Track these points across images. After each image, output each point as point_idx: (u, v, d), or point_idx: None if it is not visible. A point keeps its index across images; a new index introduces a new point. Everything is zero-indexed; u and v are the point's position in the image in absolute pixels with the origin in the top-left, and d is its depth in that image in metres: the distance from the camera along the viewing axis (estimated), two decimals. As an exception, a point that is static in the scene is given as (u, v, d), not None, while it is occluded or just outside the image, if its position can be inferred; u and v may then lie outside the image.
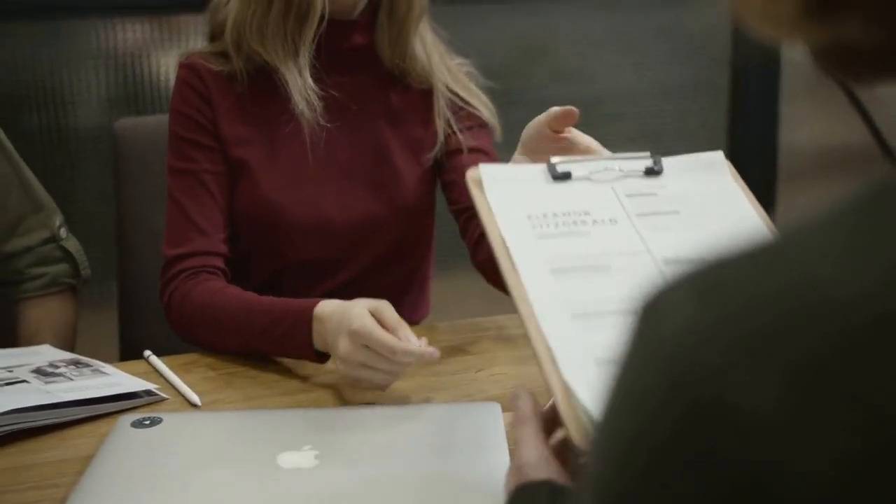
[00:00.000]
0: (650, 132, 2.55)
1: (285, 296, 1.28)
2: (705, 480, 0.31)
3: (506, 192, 0.86)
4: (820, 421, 0.30)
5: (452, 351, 1.32)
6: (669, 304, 0.34)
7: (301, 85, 1.33)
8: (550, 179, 0.89)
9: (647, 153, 0.93)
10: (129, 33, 2.20)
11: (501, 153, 1.43)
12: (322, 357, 1.21)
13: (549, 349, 0.71)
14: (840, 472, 0.29)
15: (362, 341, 1.10)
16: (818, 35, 0.40)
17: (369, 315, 1.11)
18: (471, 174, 0.88)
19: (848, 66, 0.41)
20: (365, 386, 1.15)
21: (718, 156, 0.96)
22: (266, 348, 1.27)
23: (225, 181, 1.39)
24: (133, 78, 2.20)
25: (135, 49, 2.20)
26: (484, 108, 1.43)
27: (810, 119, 2.54)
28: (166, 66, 2.19)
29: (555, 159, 0.90)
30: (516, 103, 2.54)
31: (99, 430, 1.10)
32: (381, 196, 1.40)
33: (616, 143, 2.57)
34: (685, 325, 0.33)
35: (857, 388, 0.30)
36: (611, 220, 0.86)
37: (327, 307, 1.19)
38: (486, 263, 1.38)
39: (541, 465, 0.69)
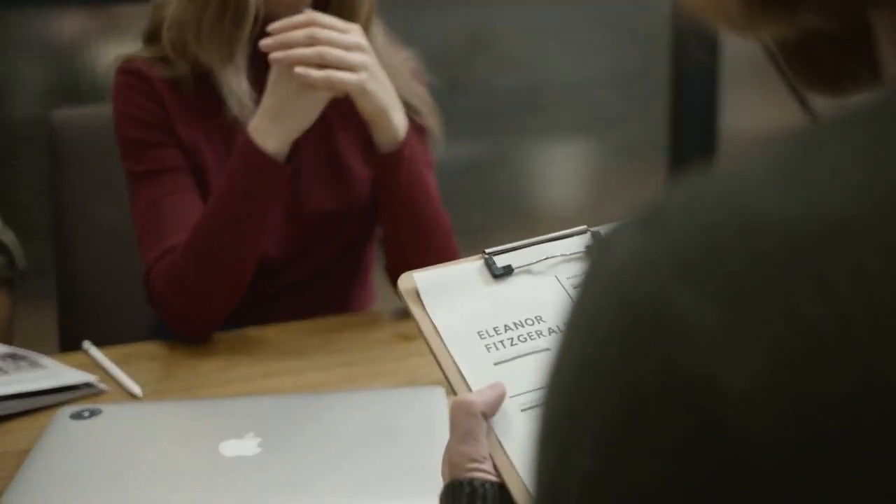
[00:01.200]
0: (593, 120, 2.57)
1: None
2: (648, 389, 0.33)
3: (448, 306, 0.79)
4: (748, 330, 0.32)
5: (396, 338, 1.32)
6: (616, 239, 0.36)
7: (236, 89, 1.29)
8: (490, 278, 0.82)
9: (584, 227, 0.86)
10: (66, 23, 2.17)
11: (447, 141, 1.43)
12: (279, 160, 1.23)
13: None
14: (765, 377, 0.31)
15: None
16: (773, 30, 0.40)
17: None
18: (403, 284, 0.81)
19: (811, 62, 0.42)
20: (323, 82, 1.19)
21: None
22: (238, 208, 1.25)
23: (191, 175, 1.34)
24: (70, 69, 2.17)
25: (72, 39, 2.17)
26: (430, 116, 1.39)
27: (750, 105, 2.58)
28: (105, 56, 2.16)
29: (490, 250, 0.84)
30: (461, 93, 2.56)
31: (37, 423, 1.09)
32: (332, 196, 1.39)
33: (560, 131, 2.59)
34: (630, 255, 0.35)
35: (782, 298, 0.32)
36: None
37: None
38: (394, 275, 1.38)
39: (465, 466, 0.69)
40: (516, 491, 0.69)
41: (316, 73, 1.19)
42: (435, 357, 0.77)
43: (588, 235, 0.86)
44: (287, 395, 1.12)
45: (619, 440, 0.34)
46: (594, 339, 0.35)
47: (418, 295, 0.80)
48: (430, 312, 0.79)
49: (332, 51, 1.20)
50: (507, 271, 0.83)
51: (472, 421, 0.70)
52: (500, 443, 0.71)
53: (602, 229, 0.85)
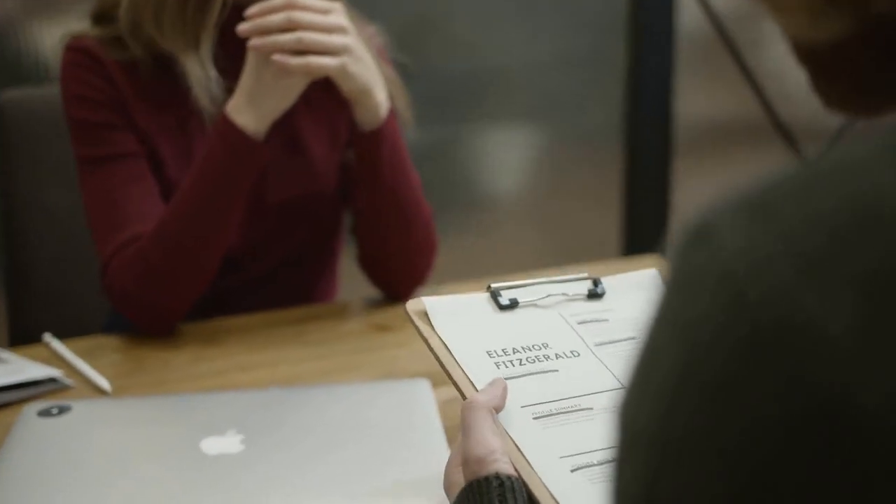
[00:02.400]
0: (547, 104, 2.55)
1: None
2: (771, 410, 0.29)
3: (457, 327, 0.81)
4: (888, 338, 0.28)
5: (370, 329, 1.29)
6: (719, 228, 0.32)
7: (202, 77, 1.23)
8: (497, 309, 0.85)
9: (585, 273, 0.91)
10: (5, 1, 2.08)
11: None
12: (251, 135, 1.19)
13: None
14: None
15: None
16: (844, 18, 0.37)
17: None
18: (412, 307, 0.83)
19: (857, 68, 0.39)
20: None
21: (652, 273, 0.93)
22: (215, 189, 1.21)
23: (148, 162, 1.27)
24: (10, 49, 2.08)
25: (10, 18, 2.08)
26: (400, 97, 1.34)
27: (705, 91, 2.58)
28: (49, 36, 2.08)
29: (495, 285, 0.87)
30: (411, 78, 2.52)
31: (2, 420, 1.03)
32: (296, 184, 1.34)
33: (514, 116, 2.57)
34: (740, 246, 0.31)
35: None
36: (572, 353, 0.82)
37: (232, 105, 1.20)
38: (370, 265, 1.35)
39: (488, 460, 0.66)
40: (536, 489, 0.66)
41: (294, 61, 1.15)
42: (445, 370, 0.78)
43: (591, 281, 0.90)
44: (267, 390, 1.08)
45: (748, 478, 0.30)
46: (699, 345, 0.31)
47: (427, 316, 0.82)
48: (438, 331, 0.80)
49: (312, 35, 1.15)
50: (513, 304, 0.86)
51: (481, 415, 0.68)
52: (516, 444, 0.69)
53: (605, 281, 0.88)
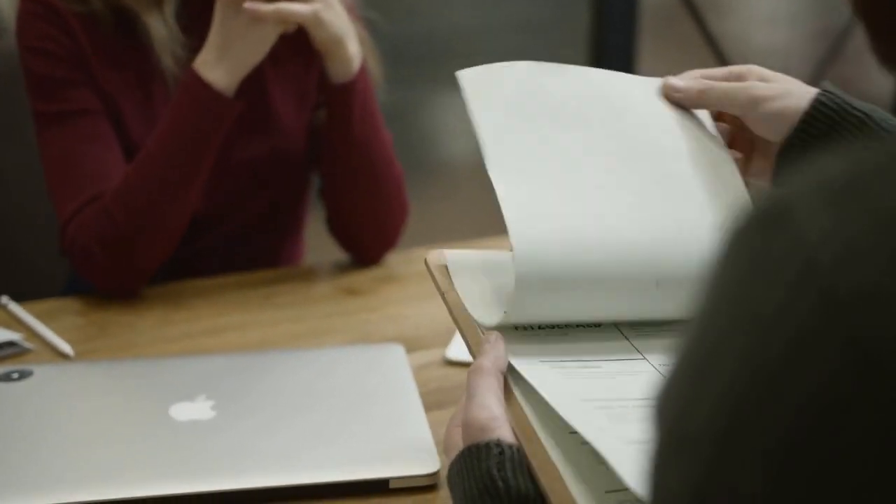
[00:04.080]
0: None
1: None
2: (855, 427, 0.26)
3: (476, 285, 0.75)
4: None
5: (340, 292, 1.26)
6: (799, 212, 0.28)
7: (165, 36, 1.19)
8: None
9: None
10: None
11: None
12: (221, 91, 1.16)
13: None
14: None
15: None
16: None
17: None
18: (433, 259, 0.76)
19: None
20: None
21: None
22: (183, 146, 1.17)
23: (109, 120, 1.22)
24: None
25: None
26: (371, 56, 1.31)
27: (667, 57, 2.57)
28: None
29: None
30: (375, 39, 2.47)
31: (-40, 386, 0.99)
32: (262, 145, 1.30)
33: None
34: (827, 234, 0.27)
35: None
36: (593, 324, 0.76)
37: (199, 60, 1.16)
38: (339, 228, 1.32)
39: (489, 427, 0.64)
40: (532, 454, 0.64)
41: (265, 7, 1.11)
42: (460, 329, 0.72)
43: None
44: (238, 354, 1.05)
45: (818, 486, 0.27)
46: (774, 345, 0.27)
47: (446, 271, 0.76)
48: (457, 287, 0.74)
49: None
50: None
51: (487, 381, 0.65)
52: (521, 405, 0.66)
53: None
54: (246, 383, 0.97)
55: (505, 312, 0.70)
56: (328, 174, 1.31)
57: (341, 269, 1.33)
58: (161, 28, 1.18)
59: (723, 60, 2.48)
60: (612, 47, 2.50)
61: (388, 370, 1.01)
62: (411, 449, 0.86)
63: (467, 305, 0.73)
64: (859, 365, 0.26)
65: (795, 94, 0.75)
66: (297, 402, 0.94)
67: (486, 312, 0.72)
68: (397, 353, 1.04)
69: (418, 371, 1.01)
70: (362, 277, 1.30)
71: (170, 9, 1.19)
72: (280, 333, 1.13)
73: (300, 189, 1.38)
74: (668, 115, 0.81)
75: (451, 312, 0.73)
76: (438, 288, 0.74)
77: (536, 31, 2.51)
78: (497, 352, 0.67)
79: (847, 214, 0.28)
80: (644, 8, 2.48)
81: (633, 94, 0.82)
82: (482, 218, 2.57)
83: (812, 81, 0.81)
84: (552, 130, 0.76)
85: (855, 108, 0.73)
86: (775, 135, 0.76)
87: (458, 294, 0.74)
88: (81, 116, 1.21)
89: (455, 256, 0.77)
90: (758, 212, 0.30)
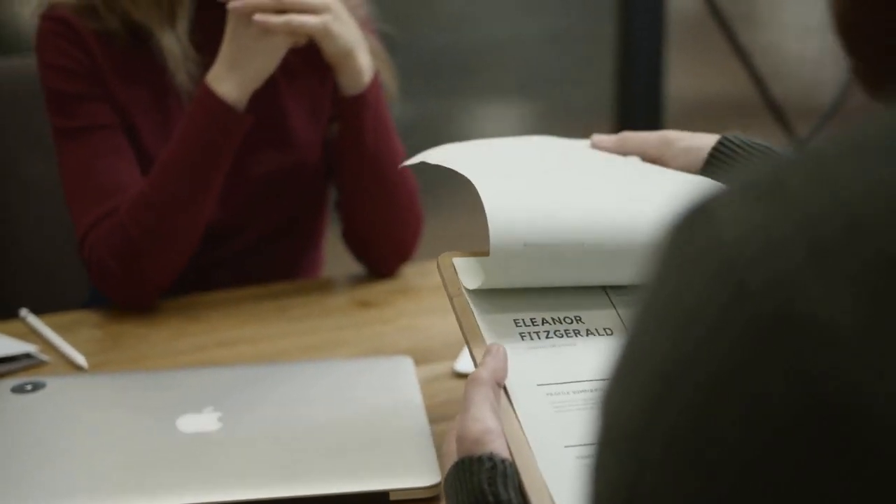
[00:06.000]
0: (537, 80, 2.52)
1: None
2: (768, 409, 0.27)
3: (486, 290, 0.75)
4: None
5: (354, 305, 1.27)
6: (722, 210, 0.29)
7: (179, 53, 1.20)
8: None
9: None
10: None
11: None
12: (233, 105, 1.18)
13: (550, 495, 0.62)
14: None
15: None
16: None
17: None
18: (443, 261, 0.77)
19: None
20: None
21: None
22: (195, 159, 1.19)
23: (125, 135, 1.24)
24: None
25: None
26: (385, 69, 1.32)
27: (695, 69, 2.56)
28: (28, 4, 2.04)
29: None
30: (401, 51, 2.49)
31: (-26, 397, 1.01)
32: (276, 158, 1.31)
33: (503, 91, 2.54)
34: (745, 230, 0.28)
35: None
36: (605, 330, 0.76)
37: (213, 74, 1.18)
38: (354, 240, 1.33)
39: (482, 441, 0.64)
40: (524, 469, 0.64)
41: (275, 19, 1.13)
42: (465, 335, 0.73)
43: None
44: (247, 366, 1.06)
45: (738, 479, 0.27)
46: (692, 337, 0.28)
47: (456, 275, 0.77)
48: (466, 293, 0.75)
49: None
50: None
51: (483, 392, 0.65)
52: (520, 422, 0.66)
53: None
54: (253, 395, 0.97)
55: (485, 274, 0.72)
56: (342, 186, 1.31)
57: (357, 281, 1.33)
58: (174, 45, 1.20)
59: (753, 71, 2.46)
60: (640, 59, 2.48)
61: (395, 383, 1.01)
62: (412, 461, 0.87)
63: (477, 315, 0.73)
64: (758, 343, 0.27)
65: (704, 136, 0.86)
66: (301, 413, 0.94)
67: (493, 323, 0.73)
68: (406, 365, 1.04)
69: (427, 383, 1.02)
70: (377, 289, 1.30)
71: (183, 26, 1.21)
72: (292, 345, 1.14)
73: (317, 202, 1.38)
74: (606, 154, 0.92)
75: (457, 318, 0.73)
76: (447, 290, 0.75)
77: (564, 43, 2.51)
78: (496, 363, 0.68)
79: (764, 211, 0.28)
80: (672, 19, 2.47)
81: (572, 146, 0.94)
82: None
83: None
84: (515, 162, 0.86)
85: (757, 143, 0.81)
86: (690, 169, 0.85)
87: (466, 300, 0.74)
88: (98, 131, 1.23)
89: (466, 262, 0.77)
90: (684, 210, 0.31)
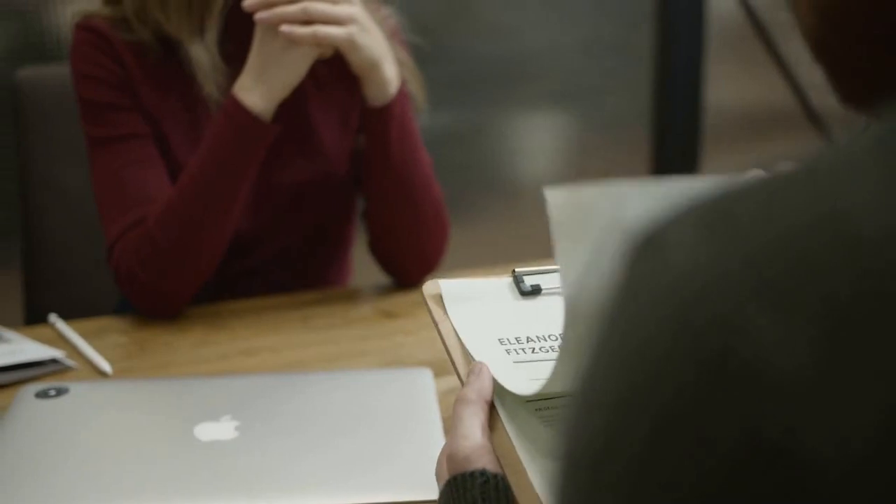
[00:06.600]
0: (575, 90, 2.52)
1: None
2: (710, 452, 0.26)
3: (470, 312, 0.76)
4: (852, 379, 0.25)
5: (378, 315, 1.27)
6: (673, 240, 0.29)
7: (208, 64, 1.22)
8: (518, 295, 0.79)
9: None
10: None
11: (425, 112, 1.36)
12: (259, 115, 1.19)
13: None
14: (877, 445, 0.24)
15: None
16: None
17: None
18: (428, 289, 0.77)
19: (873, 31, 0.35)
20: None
21: None
22: (222, 169, 1.20)
23: (155, 144, 1.26)
24: (36, 27, 2.08)
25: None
26: (414, 80, 1.33)
27: (735, 78, 2.53)
28: (71, 14, 2.07)
29: (519, 270, 0.81)
30: (440, 61, 2.49)
31: (0, 401, 1.03)
32: (305, 169, 1.32)
33: (541, 100, 2.54)
34: (693, 264, 0.28)
35: None
36: None
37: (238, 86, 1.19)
38: (380, 250, 1.34)
39: (473, 457, 0.64)
40: (516, 484, 0.64)
41: (301, 30, 1.14)
42: (450, 356, 0.73)
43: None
44: (266, 375, 1.07)
45: None
46: (640, 372, 0.28)
47: (441, 301, 0.76)
48: (451, 316, 0.75)
49: (317, 5, 1.14)
50: (536, 290, 0.79)
51: (471, 410, 0.65)
52: (507, 432, 0.66)
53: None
54: (270, 404, 0.98)
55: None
56: (368, 196, 1.32)
57: (382, 291, 1.34)
58: (203, 56, 1.22)
59: (793, 81, 2.43)
60: (679, 68, 2.47)
61: (413, 394, 1.02)
62: (428, 474, 0.86)
63: (462, 336, 0.73)
64: (701, 383, 0.26)
65: None
66: (318, 424, 0.95)
67: (478, 343, 0.72)
68: (425, 377, 1.05)
69: (446, 396, 1.02)
70: (401, 300, 1.31)
71: (212, 37, 1.22)
72: (314, 355, 1.15)
73: (345, 212, 1.39)
74: None
75: (443, 343, 0.73)
76: (433, 318, 0.75)
77: (603, 52, 2.50)
78: (481, 381, 0.68)
79: (712, 244, 0.28)
80: (711, 27, 2.45)
81: None
82: (545, 241, 2.57)
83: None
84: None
85: None
86: None
87: (451, 324, 0.74)
88: (129, 141, 1.25)
89: (451, 286, 0.77)
90: (640, 237, 0.30)
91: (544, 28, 2.46)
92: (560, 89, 2.51)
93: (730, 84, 2.52)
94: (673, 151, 2.51)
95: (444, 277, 1.32)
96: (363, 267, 1.48)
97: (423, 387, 1.03)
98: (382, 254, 1.34)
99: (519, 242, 2.48)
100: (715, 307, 0.27)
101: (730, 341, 0.26)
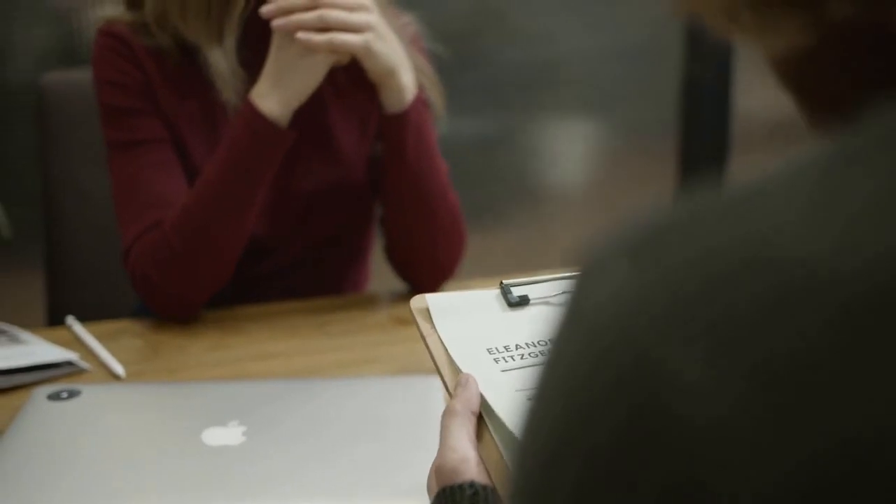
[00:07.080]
0: (604, 96, 2.51)
1: None
2: (638, 483, 0.26)
3: (458, 325, 0.77)
4: (731, 385, 0.25)
5: (393, 321, 1.27)
6: (598, 268, 0.29)
7: (226, 70, 1.23)
8: (506, 306, 0.79)
9: None
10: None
11: (454, 119, 1.36)
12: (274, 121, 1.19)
13: None
14: (801, 497, 0.24)
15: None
16: (789, 31, 0.33)
17: None
18: (415, 303, 0.78)
19: (821, 80, 0.35)
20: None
21: None
22: (238, 175, 1.20)
23: (173, 149, 1.27)
24: (66, 31, 2.10)
25: (68, 0, 2.11)
26: (433, 87, 1.32)
27: (763, 86, 2.51)
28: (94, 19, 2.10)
29: (507, 281, 0.81)
30: (471, 67, 2.49)
31: (13, 402, 1.03)
32: (322, 174, 1.32)
33: (570, 107, 2.53)
34: (612, 291, 0.28)
35: (762, 351, 0.25)
36: None
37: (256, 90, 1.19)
38: (396, 257, 1.34)
39: (461, 469, 0.63)
40: (504, 491, 0.64)
41: (318, 37, 1.14)
42: (438, 372, 0.73)
43: None
44: (276, 381, 1.07)
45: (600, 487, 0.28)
46: (568, 394, 0.29)
47: (429, 314, 0.76)
48: (438, 328, 0.75)
49: (334, 13, 1.14)
50: (524, 301, 0.80)
51: (458, 422, 0.65)
52: (495, 443, 0.66)
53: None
54: (279, 410, 0.98)
55: None
56: (385, 203, 1.32)
57: (397, 298, 1.34)
58: (222, 61, 1.22)
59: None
60: (708, 74, 2.45)
61: (423, 402, 1.01)
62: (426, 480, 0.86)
63: (449, 348, 0.73)
64: (638, 431, 0.26)
65: None
66: (325, 430, 0.95)
67: (466, 354, 0.72)
68: (436, 385, 1.04)
69: (456, 403, 1.01)
70: (417, 307, 1.30)
71: (230, 43, 1.23)
72: (327, 361, 1.15)
73: (363, 218, 1.39)
74: None
75: (431, 356, 0.73)
76: (420, 332, 0.75)
77: (631, 60, 2.49)
78: (468, 393, 0.67)
79: (635, 272, 0.28)
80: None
81: None
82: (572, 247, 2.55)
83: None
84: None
85: None
86: None
87: (439, 337, 0.74)
88: (148, 145, 1.25)
89: (438, 299, 0.77)
90: (581, 264, 0.30)
91: (574, 34, 2.45)
92: (589, 96, 2.51)
93: (759, 91, 2.50)
94: (701, 160, 2.49)
95: (465, 284, 1.33)
96: (383, 272, 1.48)
97: (434, 394, 1.02)
98: (398, 260, 1.34)
99: (545, 248, 2.48)
100: (630, 331, 0.27)
101: (654, 386, 0.26)
